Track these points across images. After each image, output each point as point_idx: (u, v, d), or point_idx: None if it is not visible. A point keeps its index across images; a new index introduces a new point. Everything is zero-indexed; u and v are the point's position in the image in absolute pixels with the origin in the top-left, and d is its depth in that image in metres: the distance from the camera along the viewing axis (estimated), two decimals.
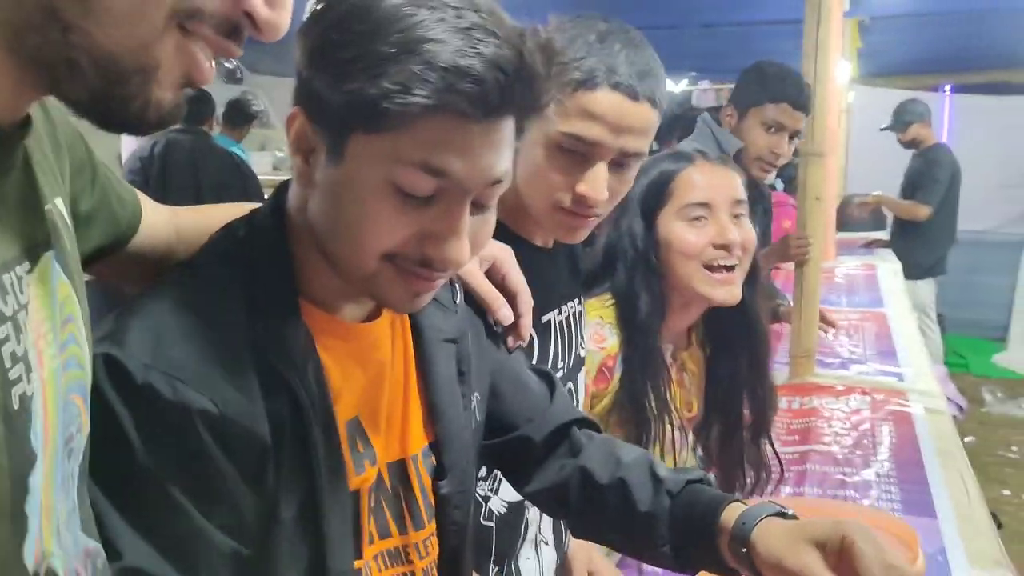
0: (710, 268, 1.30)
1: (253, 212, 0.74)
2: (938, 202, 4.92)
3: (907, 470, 1.78)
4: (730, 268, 1.30)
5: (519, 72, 0.61)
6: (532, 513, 1.13)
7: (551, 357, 1.08)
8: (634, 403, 1.29)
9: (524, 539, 1.13)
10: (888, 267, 4.45)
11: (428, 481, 0.79)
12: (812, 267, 2.40)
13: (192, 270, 0.70)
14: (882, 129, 5.25)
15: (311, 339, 0.69)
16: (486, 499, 1.06)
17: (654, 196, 1.31)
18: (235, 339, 0.65)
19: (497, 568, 1.08)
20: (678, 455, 1.40)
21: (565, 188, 0.97)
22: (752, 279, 1.36)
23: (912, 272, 4.70)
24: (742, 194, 1.33)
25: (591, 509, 0.87)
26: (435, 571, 0.80)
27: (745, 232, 1.32)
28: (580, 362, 1.18)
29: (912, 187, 5.12)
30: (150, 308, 0.65)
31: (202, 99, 4.17)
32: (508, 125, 0.65)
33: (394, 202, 0.64)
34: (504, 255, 0.93)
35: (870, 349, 2.85)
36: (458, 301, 0.85)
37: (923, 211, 4.98)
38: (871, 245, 5.11)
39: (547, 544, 1.16)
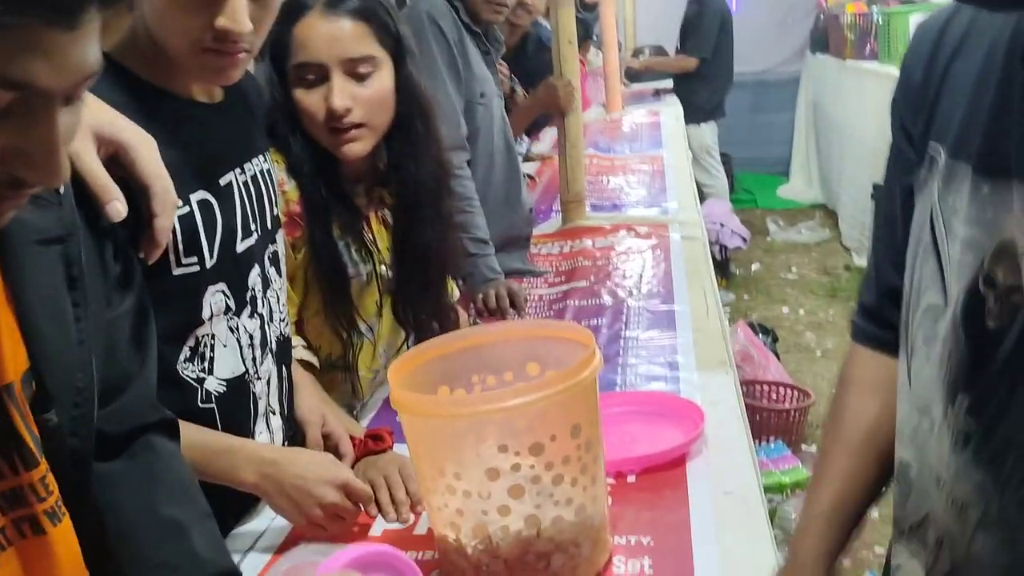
0: (335, 131, 1.25)
1: None
2: (709, 51, 5.11)
3: (658, 293, 1.90)
4: (348, 129, 1.25)
5: None
6: (259, 386, 1.10)
7: (238, 222, 1.04)
8: (325, 253, 1.28)
9: (256, 415, 1.10)
10: (671, 111, 4.63)
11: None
12: (575, 115, 2.45)
13: None
14: None
15: None
16: (200, 381, 1.02)
17: (280, 48, 1.24)
18: None
19: None
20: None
21: (204, 25, 0.91)
22: (412, 131, 1.32)
23: (693, 117, 4.91)
24: (357, 50, 1.24)
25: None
26: (63, 508, 0.70)
27: (364, 90, 1.25)
28: (278, 223, 1.15)
29: (684, 35, 5.32)
30: None
31: None
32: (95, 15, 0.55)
33: None
34: (136, 140, 0.84)
35: (643, 189, 2.99)
36: (62, 191, 0.73)
37: (691, 63, 5.18)
38: (658, 94, 5.31)
39: (275, 414, 1.14)
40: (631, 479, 1.15)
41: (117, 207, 0.78)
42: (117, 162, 0.83)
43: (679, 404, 1.31)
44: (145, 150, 0.85)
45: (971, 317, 0.68)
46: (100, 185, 0.79)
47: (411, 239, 1.37)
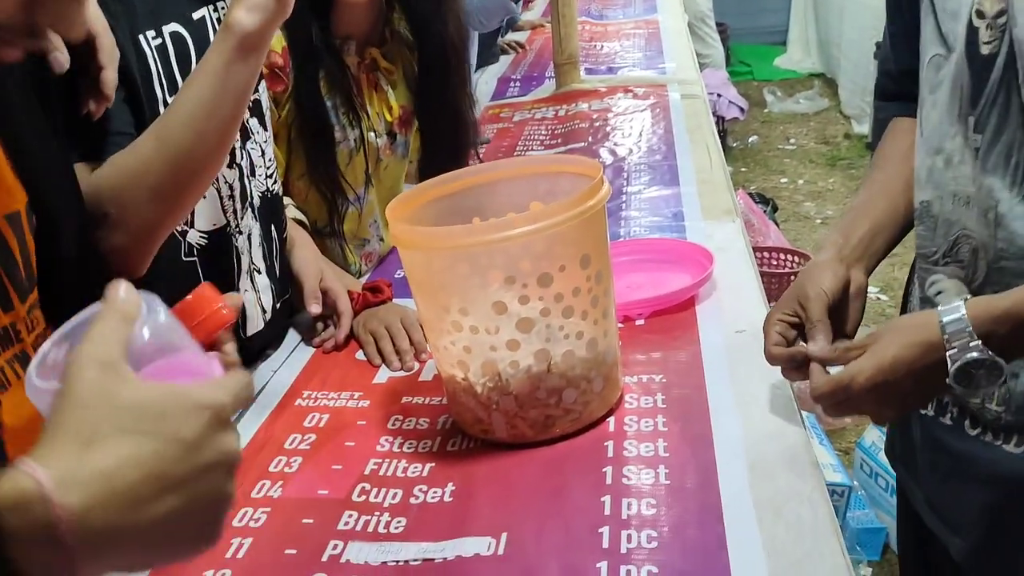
0: None
1: None
2: None
3: (659, 150, 1.84)
4: None
5: None
6: (241, 241, 1.05)
7: None
8: (309, 105, 1.20)
9: (240, 271, 1.06)
10: None
11: (34, 246, 0.66)
12: None
13: None
14: None
15: None
16: (183, 234, 0.97)
17: None
18: None
19: None
20: (385, 160, 1.35)
21: None
22: None
23: None
24: None
25: None
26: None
27: None
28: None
29: None
30: None
31: None
32: None
33: None
34: None
35: (639, 52, 2.87)
36: None
37: None
38: None
39: (260, 272, 1.10)
40: (639, 322, 1.12)
41: (59, 58, 0.70)
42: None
43: (686, 248, 1.27)
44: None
45: (971, 49, 0.79)
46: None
47: (439, 105, 1.31)
